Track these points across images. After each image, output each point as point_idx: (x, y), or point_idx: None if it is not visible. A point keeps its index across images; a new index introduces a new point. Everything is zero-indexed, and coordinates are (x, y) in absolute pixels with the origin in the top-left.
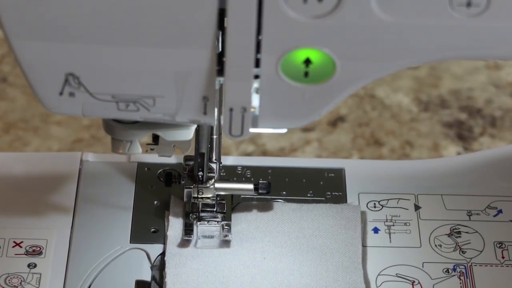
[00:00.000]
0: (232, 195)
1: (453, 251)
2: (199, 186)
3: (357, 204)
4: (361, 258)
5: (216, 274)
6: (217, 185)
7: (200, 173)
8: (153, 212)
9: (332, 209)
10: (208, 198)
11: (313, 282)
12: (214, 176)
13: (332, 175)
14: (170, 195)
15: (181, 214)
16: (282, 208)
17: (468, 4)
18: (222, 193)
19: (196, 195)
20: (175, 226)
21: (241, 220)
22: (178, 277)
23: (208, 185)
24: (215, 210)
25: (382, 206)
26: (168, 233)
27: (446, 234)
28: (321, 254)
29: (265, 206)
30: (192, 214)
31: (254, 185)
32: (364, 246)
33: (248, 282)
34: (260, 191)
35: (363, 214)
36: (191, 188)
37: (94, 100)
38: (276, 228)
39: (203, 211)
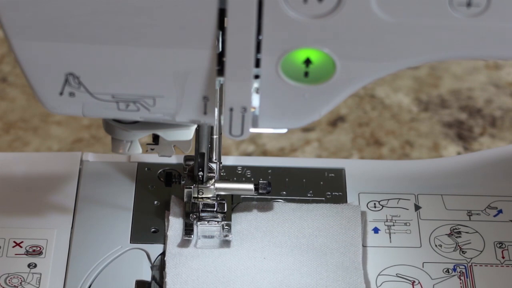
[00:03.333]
0: (232, 195)
1: (453, 251)
2: (199, 186)
3: (357, 204)
4: (361, 258)
5: (216, 274)
6: (217, 185)
7: (200, 173)
8: (153, 212)
9: (332, 209)
10: (208, 198)
11: (313, 282)
12: (214, 176)
13: (332, 175)
14: (170, 195)
15: (181, 214)
16: (282, 208)
17: (468, 4)
18: (222, 193)
19: (196, 195)
20: (175, 226)
21: (241, 220)
22: (178, 277)
23: (208, 185)
24: (215, 210)
25: (382, 206)
26: (168, 233)
27: (446, 234)
28: (321, 254)
29: (265, 206)
30: (192, 214)
31: (254, 185)
32: (364, 246)
33: (248, 282)
34: (260, 191)
35: (363, 214)
36: (191, 188)
37: (94, 100)
38: (276, 228)
39: (203, 211)
